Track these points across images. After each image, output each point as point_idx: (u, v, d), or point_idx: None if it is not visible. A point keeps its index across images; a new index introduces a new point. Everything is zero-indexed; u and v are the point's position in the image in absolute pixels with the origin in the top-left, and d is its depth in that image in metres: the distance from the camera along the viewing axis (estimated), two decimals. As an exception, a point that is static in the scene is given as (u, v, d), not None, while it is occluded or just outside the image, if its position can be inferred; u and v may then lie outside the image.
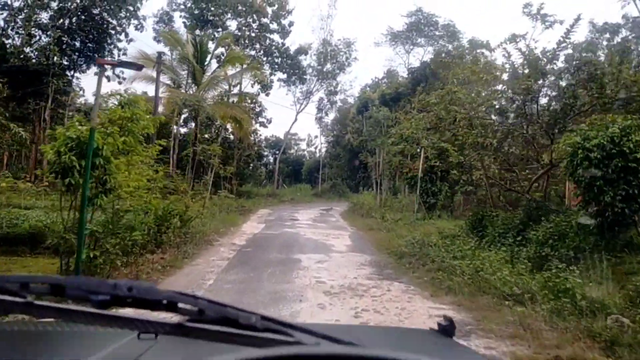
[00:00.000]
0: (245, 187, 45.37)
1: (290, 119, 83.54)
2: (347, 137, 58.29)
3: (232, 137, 42.17)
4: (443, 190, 19.97)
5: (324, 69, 43.40)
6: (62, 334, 1.51)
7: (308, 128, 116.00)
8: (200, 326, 0.89)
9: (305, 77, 43.50)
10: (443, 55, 45.39)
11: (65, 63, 32.70)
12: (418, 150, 19.44)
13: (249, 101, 41.77)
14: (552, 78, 12.21)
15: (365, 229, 19.04)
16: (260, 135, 43.24)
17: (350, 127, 58.83)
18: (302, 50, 41.94)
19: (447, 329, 1.73)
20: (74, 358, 1.38)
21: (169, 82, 26.07)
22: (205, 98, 25.58)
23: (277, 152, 49.43)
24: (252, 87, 41.52)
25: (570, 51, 13.40)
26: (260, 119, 43.02)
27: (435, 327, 1.78)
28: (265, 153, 62.75)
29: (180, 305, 0.90)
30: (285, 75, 42.87)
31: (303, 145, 77.98)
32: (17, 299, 0.88)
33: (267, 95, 42.61)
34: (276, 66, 41.85)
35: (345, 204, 35.47)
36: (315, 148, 76.35)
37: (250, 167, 44.08)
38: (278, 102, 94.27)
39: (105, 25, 32.11)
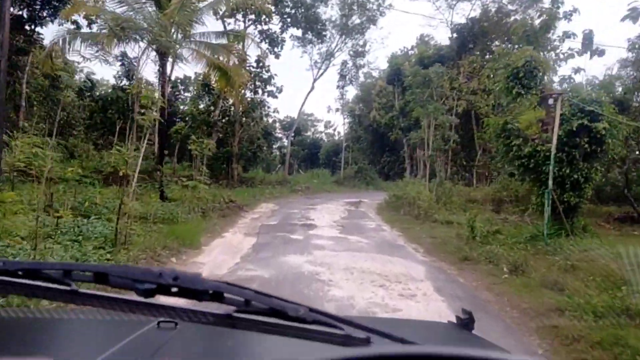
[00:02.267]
0: (252, 173, 35.85)
1: (306, 88, 73.28)
2: (372, 114, 48.48)
3: (234, 108, 32.82)
4: (594, 178, 10.24)
5: (349, 22, 33.47)
6: (82, 322, 1.43)
7: (327, 100, 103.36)
8: (248, 317, 0.87)
9: (324, 33, 33.60)
10: (493, 11, 35.47)
11: (24, 15, 24.20)
12: (551, 101, 9.66)
13: (255, 64, 32.21)
14: None
15: (445, 254, 9.38)
16: (269, 108, 33.54)
17: (376, 103, 49.02)
18: (321, -2, 32.02)
19: (466, 322, 1.67)
20: (94, 347, 1.31)
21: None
22: (171, 32, 15.94)
23: (292, 132, 39.73)
24: (258, 46, 32.04)
25: None
26: (269, 87, 33.39)
27: (454, 320, 1.76)
28: (279, 135, 53.66)
29: (227, 295, 0.87)
30: (299, 32, 33.10)
31: (320, 127, 68.87)
32: (63, 287, 0.86)
33: (277, 57, 32.97)
34: (288, 19, 32.05)
35: (376, 195, 25.90)
36: (334, 130, 66.88)
37: (260, 148, 34.52)
38: (291, 66, 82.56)
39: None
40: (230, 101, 33.50)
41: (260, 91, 33.49)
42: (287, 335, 0.84)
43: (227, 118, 32.68)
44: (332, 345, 0.84)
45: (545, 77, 11.20)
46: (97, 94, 32.13)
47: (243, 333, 0.89)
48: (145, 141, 10.52)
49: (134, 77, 31.97)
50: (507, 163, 11.85)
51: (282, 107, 79.40)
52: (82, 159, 29.46)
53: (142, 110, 11.42)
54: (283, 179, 33.92)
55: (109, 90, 31.99)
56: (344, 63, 36.18)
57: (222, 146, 32.55)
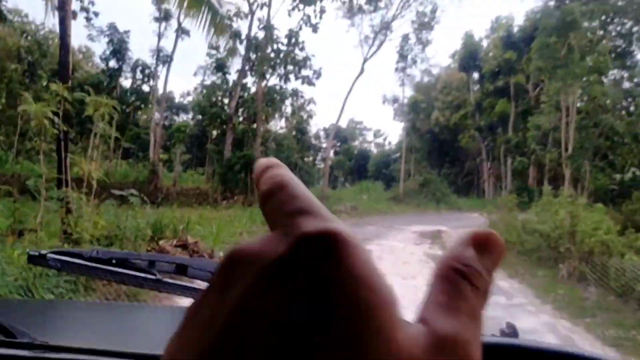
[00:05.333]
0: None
1: (353, 73, 62.33)
2: (433, 116, 38.56)
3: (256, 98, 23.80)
4: None
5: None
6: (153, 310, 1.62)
7: (383, 88, 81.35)
8: None
9: (379, -3, 24.06)
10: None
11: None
12: None
13: (286, 40, 23.24)
14: None
15: None
16: (302, 97, 24.12)
17: (439, 102, 39.09)
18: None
19: (509, 336, 1.29)
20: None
21: None
22: None
23: (334, 131, 30.20)
24: (289, 15, 22.95)
25: None
26: (304, 72, 24.18)
27: (497, 333, 1.33)
28: (324, 143, 44.68)
29: None
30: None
31: (369, 137, 59.54)
32: (149, 276, 0.92)
33: (314, 30, 23.78)
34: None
35: (457, 220, 16.18)
36: (385, 139, 57.19)
37: (290, 151, 25.15)
38: (333, 44, 69.23)
39: None
40: (252, 89, 24.58)
41: (292, 77, 24.25)
42: None
43: (245, 111, 23.64)
44: None
45: None
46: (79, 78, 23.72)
47: None
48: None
49: (124, 55, 23.58)
50: None
51: (320, 100, 66.37)
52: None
53: None
54: (321, 194, 24.39)
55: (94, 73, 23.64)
56: (405, 38, 26.33)
57: (239, 149, 23.62)
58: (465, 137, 31.82)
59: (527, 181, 26.38)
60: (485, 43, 33.82)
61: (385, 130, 74.37)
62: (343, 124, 54.10)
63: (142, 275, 0.92)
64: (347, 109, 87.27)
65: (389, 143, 56.92)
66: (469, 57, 29.32)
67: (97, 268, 0.93)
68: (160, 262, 0.94)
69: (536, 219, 10.60)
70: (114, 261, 0.94)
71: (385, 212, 20.09)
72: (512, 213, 14.08)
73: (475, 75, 32.33)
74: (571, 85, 11.59)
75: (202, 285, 0.91)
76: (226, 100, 24.61)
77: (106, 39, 23.21)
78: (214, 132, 24.92)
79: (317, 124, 62.98)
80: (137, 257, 0.98)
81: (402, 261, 8.87)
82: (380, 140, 58.63)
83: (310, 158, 46.53)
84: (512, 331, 1.41)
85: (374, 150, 57.39)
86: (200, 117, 25.17)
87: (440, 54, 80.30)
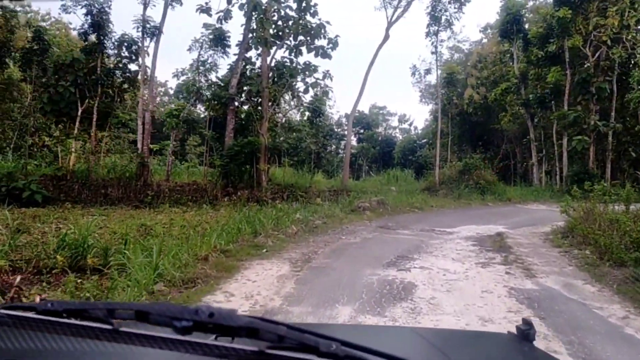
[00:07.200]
0: (299, 177, 22.32)
1: (374, 41, 55.72)
2: (466, 94, 33.87)
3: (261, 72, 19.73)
4: None
5: None
6: (119, 354, 1.24)
7: (412, 58, 71.45)
8: (280, 353, 0.86)
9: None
10: None
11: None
12: None
13: (295, 4, 19.10)
14: None
15: None
16: (314, 70, 19.75)
17: (473, 79, 34.42)
18: None
19: (527, 333, 1.48)
20: None
21: None
22: None
23: (354, 111, 25.76)
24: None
25: None
26: (318, 42, 19.99)
27: (514, 330, 1.54)
28: (345, 130, 40.28)
29: (261, 331, 0.86)
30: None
31: (394, 122, 55.28)
32: (105, 326, 0.89)
33: (328, -9, 19.59)
34: None
35: (513, 214, 12.13)
36: (410, 124, 52.68)
37: (300, 137, 20.97)
38: (351, 7, 62.40)
39: None
40: (257, 63, 20.48)
41: (304, 49, 20.00)
42: None
43: (248, 89, 19.54)
44: None
45: None
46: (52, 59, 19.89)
47: None
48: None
49: (105, 29, 19.70)
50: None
51: (337, 74, 58.70)
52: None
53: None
54: (341, 186, 20.25)
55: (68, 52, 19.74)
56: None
57: (243, 135, 19.67)
58: (507, 115, 27.18)
59: (587, 164, 21.81)
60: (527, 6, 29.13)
61: (411, 114, 69.24)
62: (365, 109, 49.77)
63: (98, 325, 0.88)
64: (370, 91, 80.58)
65: (415, 128, 52.71)
66: (511, 21, 24.60)
67: (51, 322, 0.88)
68: (119, 310, 0.90)
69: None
70: (64, 314, 0.89)
71: (420, 208, 15.88)
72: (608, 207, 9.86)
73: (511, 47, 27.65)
74: None
75: (164, 332, 0.85)
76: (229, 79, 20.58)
77: (83, 10, 19.33)
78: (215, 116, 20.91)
79: (339, 111, 58.32)
80: (93, 306, 0.94)
81: (477, 315, 4.73)
82: (405, 125, 54.38)
83: (333, 147, 42.38)
84: (529, 327, 1.43)
85: (399, 136, 53.24)
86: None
87: (469, 29, 75.06)
